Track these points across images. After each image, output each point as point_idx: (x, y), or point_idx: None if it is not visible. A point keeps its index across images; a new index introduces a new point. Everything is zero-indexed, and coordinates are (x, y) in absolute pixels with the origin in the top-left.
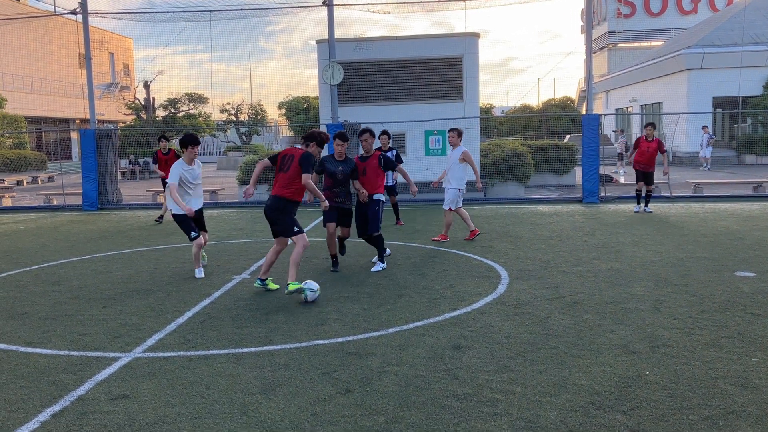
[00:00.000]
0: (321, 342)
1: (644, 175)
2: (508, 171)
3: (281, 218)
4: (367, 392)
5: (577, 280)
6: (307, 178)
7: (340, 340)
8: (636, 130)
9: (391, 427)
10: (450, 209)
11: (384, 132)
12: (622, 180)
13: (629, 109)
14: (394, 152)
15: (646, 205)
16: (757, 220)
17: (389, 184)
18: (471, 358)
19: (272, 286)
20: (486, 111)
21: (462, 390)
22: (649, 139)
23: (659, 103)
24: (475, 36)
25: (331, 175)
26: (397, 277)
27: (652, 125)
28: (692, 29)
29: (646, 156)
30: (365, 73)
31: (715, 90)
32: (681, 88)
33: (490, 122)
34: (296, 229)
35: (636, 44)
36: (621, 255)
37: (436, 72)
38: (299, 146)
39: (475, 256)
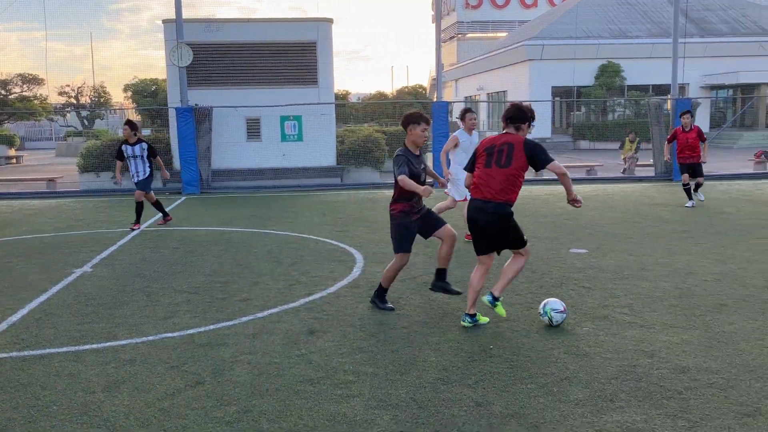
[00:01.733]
0: (170, 335)
1: (690, 167)
2: (363, 157)
3: (513, 226)
4: (218, 383)
5: (428, 261)
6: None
7: (190, 332)
8: (484, 117)
9: (243, 416)
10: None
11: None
12: None
13: (476, 97)
14: None
15: (696, 191)
16: (589, 201)
17: None
18: (325, 341)
19: (501, 311)
20: (342, 97)
21: (316, 374)
22: (687, 129)
23: (504, 91)
24: (329, 21)
25: (415, 178)
26: (252, 264)
27: (689, 113)
28: (533, 22)
29: (688, 147)
30: (216, 56)
31: (553, 80)
32: (523, 78)
33: (345, 109)
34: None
35: (483, 35)
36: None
37: (290, 56)
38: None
39: (332, 241)
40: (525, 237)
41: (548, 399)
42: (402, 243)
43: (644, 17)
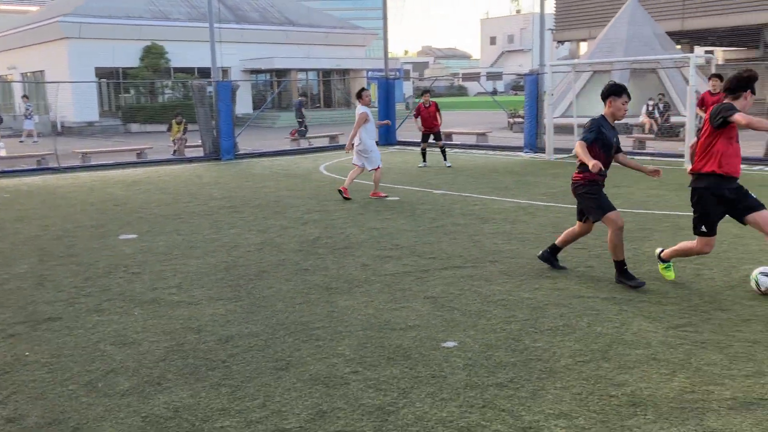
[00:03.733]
0: None
1: (432, 135)
2: None
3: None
4: None
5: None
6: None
7: None
8: (18, 100)
9: None
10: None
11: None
12: (2, 153)
13: (10, 77)
14: None
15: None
16: (140, 185)
17: None
18: None
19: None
20: None
21: None
22: (427, 105)
23: (41, 71)
24: None
25: (606, 148)
26: None
27: (428, 92)
28: None
29: (430, 119)
30: None
31: (96, 60)
32: (62, 57)
33: None
34: None
35: (15, 7)
36: (3, 232)
37: None
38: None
39: None
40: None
41: (92, 397)
42: (604, 206)
43: (184, 0)
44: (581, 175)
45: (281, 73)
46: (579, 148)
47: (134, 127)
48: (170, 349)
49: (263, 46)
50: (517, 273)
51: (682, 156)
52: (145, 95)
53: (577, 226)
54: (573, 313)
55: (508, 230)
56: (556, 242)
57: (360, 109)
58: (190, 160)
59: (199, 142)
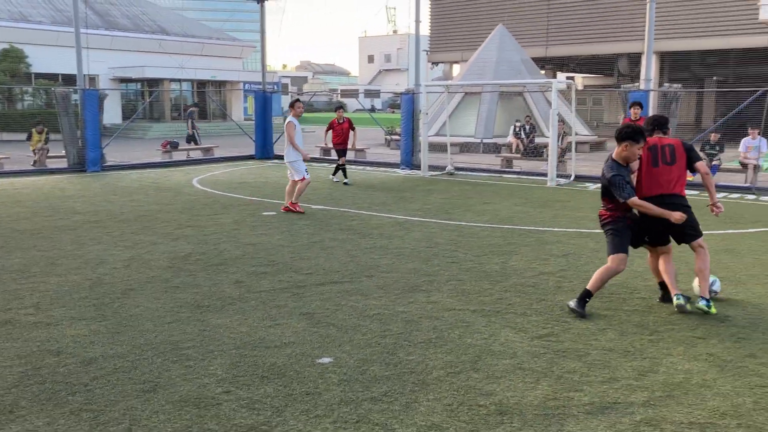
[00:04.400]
0: None
1: (341, 152)
2: None
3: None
4: None
5: None
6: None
7: None
8: None
9: None
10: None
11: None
12: None
13: None
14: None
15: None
16: None
17: None
18: None
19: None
20: None
21: None
22: (341, 121)
23: None
24: None
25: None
26: None
27: (341, 108)
28: None
29: (342, 135)
30: None
31: None
32: None
33: None
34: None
35: None
36: None
37: None
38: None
39: None
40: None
41: None
42: (619, 246)
43: (47, 3)
44: (608, 213)
45: (153, 83)
46: (636, 204)
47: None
48: (25, 374)
49: (134, 55)
50: (393, 287)
51: (545, 174)
52: (2, 101)
53: (651, 257)
54: (445, 326)
55: (385, 245)
56: (660, 282)
57: (289, 119)
58: (52, 171)
59: (63, 153)
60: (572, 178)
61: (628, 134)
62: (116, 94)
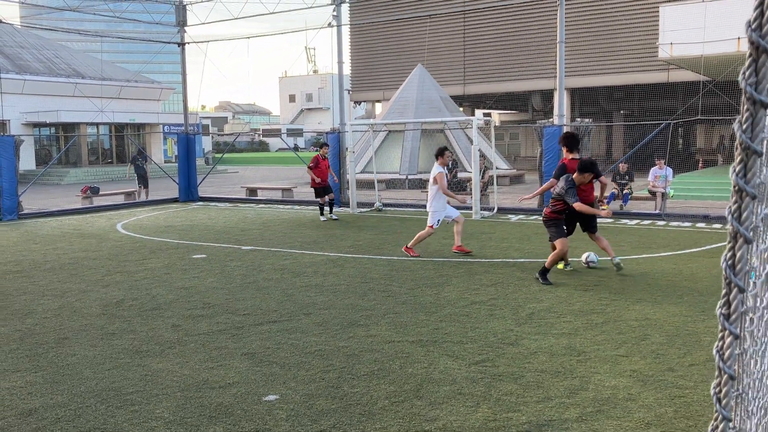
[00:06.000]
0: None
1: (325, 189)
2: None
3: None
4: None
5: None
6: None
7: None
8: None
9: None
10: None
11: None
12: None
13: None
14: None
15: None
16: None
17: None
18: None
19: None
20: None
21: None
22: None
23: None
24: None
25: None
26: None
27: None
28: None
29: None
30: None
31: None
32: None
33: None
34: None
35: None
36: None
37: None
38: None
39: None
40: None
41: None
42: (561, 233)
43: None
44: (553, 214)
45: (69, 128)
46: (580, 208)
47: None
48: None
49: (48, 99)
50: (332, 323)
51: (470, 208)
52: None
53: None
54: (386, 358)
55: (320, 283)
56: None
57: (439, 169)
58: None
59: None
60: (495, 210)
61: (587, 167)
62: (29, 139)
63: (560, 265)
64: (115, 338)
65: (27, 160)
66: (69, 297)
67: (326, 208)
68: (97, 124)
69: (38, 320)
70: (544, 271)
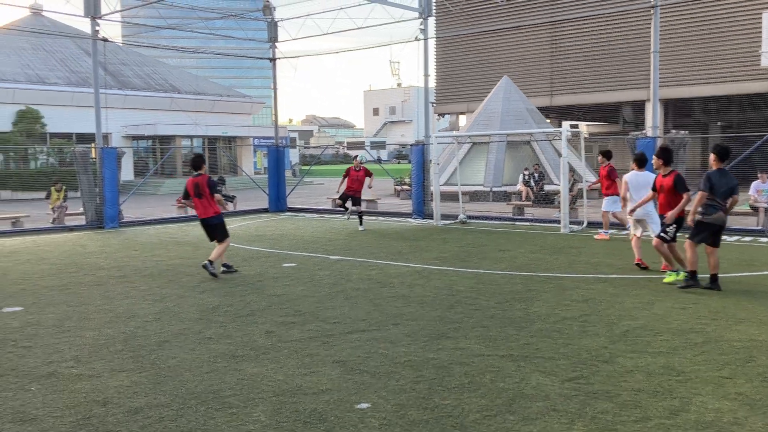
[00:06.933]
0: None
1: (354, 199)
2: None
3: None
4: None
5: None
6: None
7: None
8: None
9: None
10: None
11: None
12: None
13: None
14: None
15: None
16: (19, 254)
17: None
18: None
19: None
20: None
21: None
22: (358, 169)
23: None
24: None
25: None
26: None
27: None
28: None
29: (357, 182)
30: None
31: None
32: None
33: None
34: None
35: None
36: None
37: None
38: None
39: None
40: None
41: None
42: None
43: (62, 65)
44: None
45: (165, 140)
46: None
47: (5, 194)
48: (77, 424)
49: (147, 113)
50: (420, 334)
51: (557, 221)
52: (16, 161)
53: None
54: (476, 371)
55: (407, 293)
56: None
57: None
58: (71, 228)
59: (80, 210)
60: (585, 224)
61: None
62: (129, 151)
63: (669, 278)
64: (212, 342)
65: (126, 171)
66: (168, 302)
67: (350, 208)
68: (191, 137)
69: (140, 323)
70: (713, 278)
